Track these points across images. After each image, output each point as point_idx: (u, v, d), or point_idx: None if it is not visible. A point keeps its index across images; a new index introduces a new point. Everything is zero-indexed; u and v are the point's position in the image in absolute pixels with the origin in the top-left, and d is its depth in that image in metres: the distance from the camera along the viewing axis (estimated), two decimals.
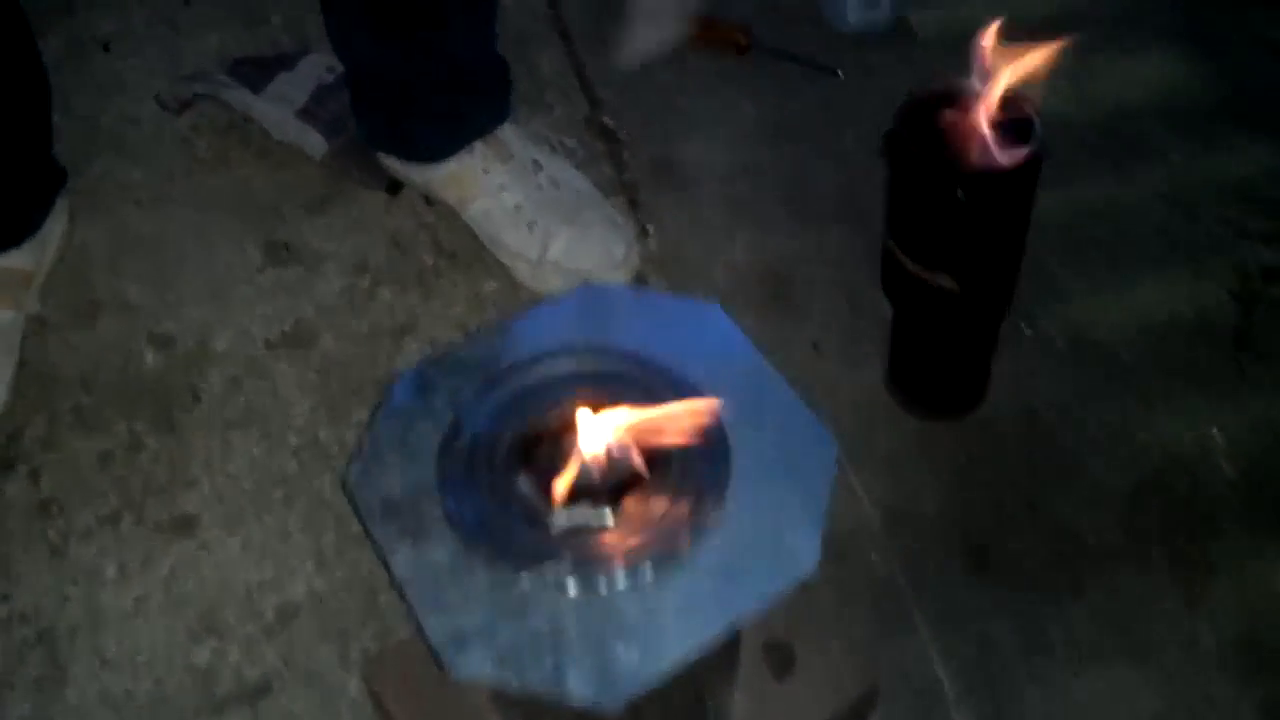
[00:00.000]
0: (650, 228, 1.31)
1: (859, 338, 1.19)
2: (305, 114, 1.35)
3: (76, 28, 1.54)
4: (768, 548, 0.76)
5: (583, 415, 0.76)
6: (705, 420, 0.77)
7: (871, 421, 1.15)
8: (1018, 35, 1.47)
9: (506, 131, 1.27)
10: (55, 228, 1.27)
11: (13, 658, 1.03)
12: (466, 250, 1.29)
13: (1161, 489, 1.09)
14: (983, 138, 0.92)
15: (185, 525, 1.10)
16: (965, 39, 1.48)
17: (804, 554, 0.76)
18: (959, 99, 0.96)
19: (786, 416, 0.82)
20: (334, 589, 1.06)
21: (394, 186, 1.34)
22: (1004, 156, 0.91)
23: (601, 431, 0.76)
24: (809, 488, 0.79)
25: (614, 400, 0.79)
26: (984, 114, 0.93)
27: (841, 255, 1.26)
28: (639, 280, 1.26)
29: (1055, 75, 1.44)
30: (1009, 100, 0.93)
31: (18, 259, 1.21)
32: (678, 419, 0.78)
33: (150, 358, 1.22)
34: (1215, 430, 1.11)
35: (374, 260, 1.30)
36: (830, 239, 1.28)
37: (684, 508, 0.78)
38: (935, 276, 0.99)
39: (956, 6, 1.53)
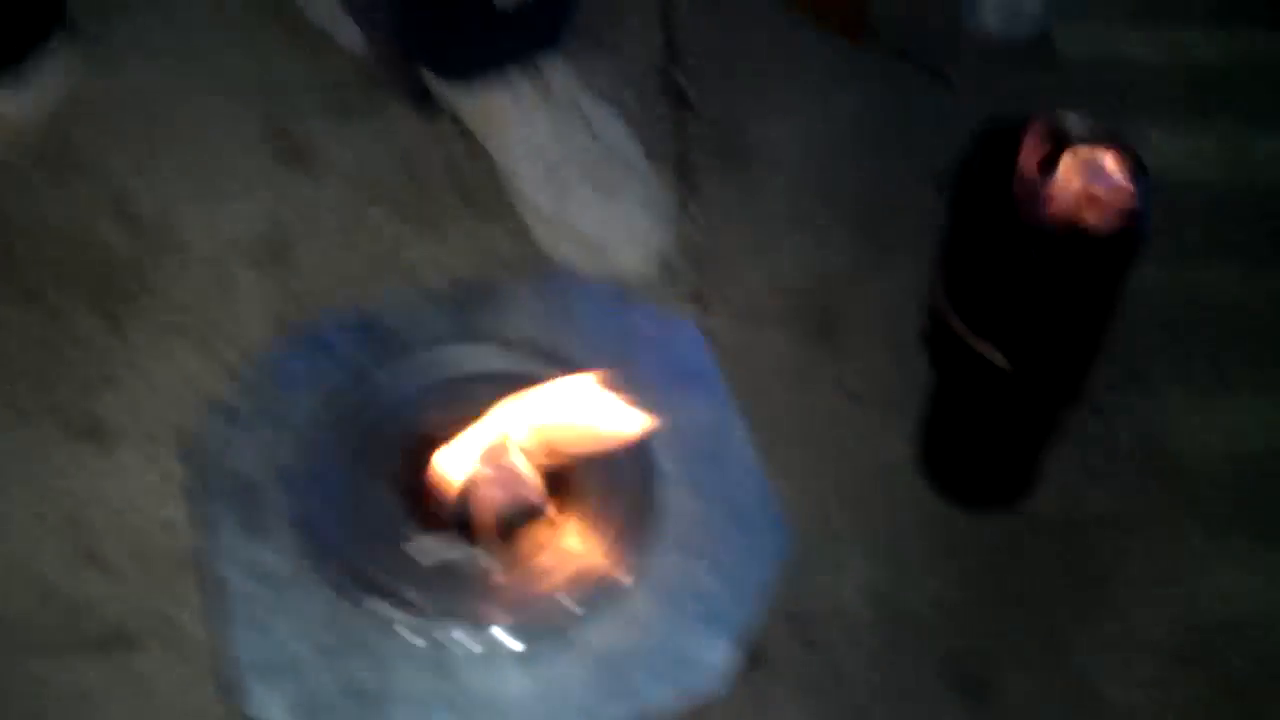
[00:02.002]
0: (695, 211, 1.15)
1: (897, 394, 1.01)
2: (349, 3, 1.21)
3: None
4: (669, 649, 0.60)
5: (477, 430, 0.61)
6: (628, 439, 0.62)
7: (886, 492, 0.98)
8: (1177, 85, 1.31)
9: (552, 68, 1.12)
10: (49, 75, 1.15)
11: None
12: (485, 192, 1.14)
13: (1209, 654, 0.91)
14: (1078, 192, 0.74)
15: (94, 431, 0.98)
16: (1112, 68, 1.33)
17: (707, 668, 0.60)
18: (1060, 139, 0.77)
19: (741, 486, 0.66)
20: None
21: (427, 104, 1.19)
22: (1098, 219, 0.73)
23: (496, 451, 0.61)
24: (741, 584, 0.62)
25: (531, 411, 0.64)
26: (1087, 164, 0.74)
27: (901, 297, 1.07)
28: (664, 267, 1.10)
29: (1208, 142, 1.27)
30: (1121, 155, 0.74)
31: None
32: (598, 436, 0.62)
33: (108, 232, 1.10)
34: None
35: (380, 179, 1.15)
36: (893, 274, 1.10)
37: (583, 569, 0.62)
38: (984, 347, 0.81)
39: (1112, 32, 1.34)
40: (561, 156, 1.09)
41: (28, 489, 0.95)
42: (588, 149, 1.10)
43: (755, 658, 0.86)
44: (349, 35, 1.21)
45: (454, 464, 0.61)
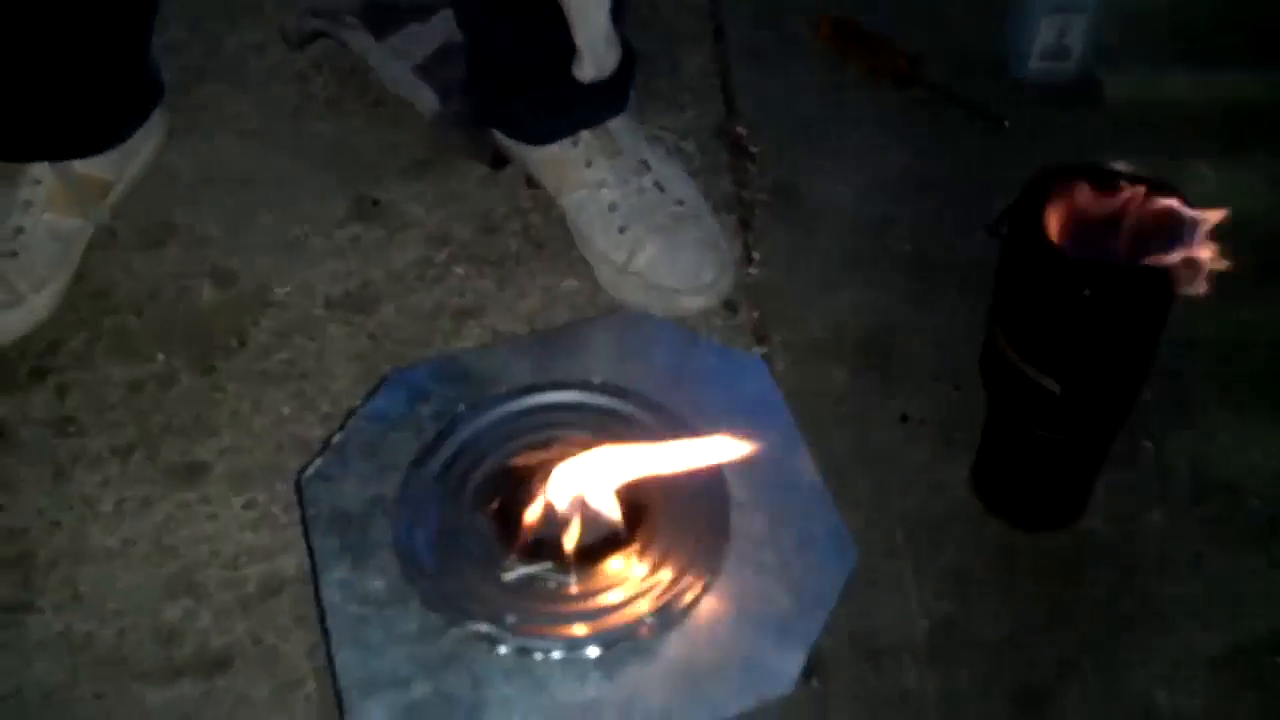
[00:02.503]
0: (757, 255, 1.20)
1: (955, 424, 1.05)
2: (423, 70, 1.28)
3: None
4: (741, 658, 0.65)
5: (565, 464, 0.66)
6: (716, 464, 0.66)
7: (947, 519, 1.01)
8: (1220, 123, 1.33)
9: (619, 125, 1.18)
10: (145, 143, 1.23)
11: None
12: (556, 242, 1.20)
13: (1259, 673, 0.93)
14: (1128, 231, 0.78)
15: (194, 473, 1.04)
16: (1157, 109, 1.36)
17: (781, 674, 0.64)
18: (1109, 183, 0.82)
19: (808, 510, 0.71)
20: None
21: (498, 162, 1.26)
22: (1146, 257, 0.77)
23: (582, 482, 0.66)
24: (810, 599, 0.67)
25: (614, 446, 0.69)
26: (1135, 205, 0.79)
27: (957, 332, 1.11)
28: (728, 308, 1.15)
29: (1257, 176, 1.29)
30: (1172, 196, 0.78)
31: (98, 167, 1.18)
32: (685, 460, 0.67)
33: (206, 294, 1.17)
34: None
35: (458, 235, 1.22)
36: (948, 312, 1.14)
37: (659, 587, 0.67)
38: (1038, 375, 0.85)
39: (1156, 74, 1.38)
40: (629, 208, 1.15)
41: (131, 526, 1.01)
42: (655, 201, 1.15)
43: (821, 671, 0.91)
44: (425, 102, 1.29)
45: (540, 493, 0.67)
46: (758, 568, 0.68)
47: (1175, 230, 0.79)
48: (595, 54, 0.83)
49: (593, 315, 1.14)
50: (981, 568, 0.98)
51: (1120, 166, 0.82)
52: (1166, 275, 0.79)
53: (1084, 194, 0.81)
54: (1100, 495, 1.00)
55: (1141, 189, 0.80)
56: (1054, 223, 0.81)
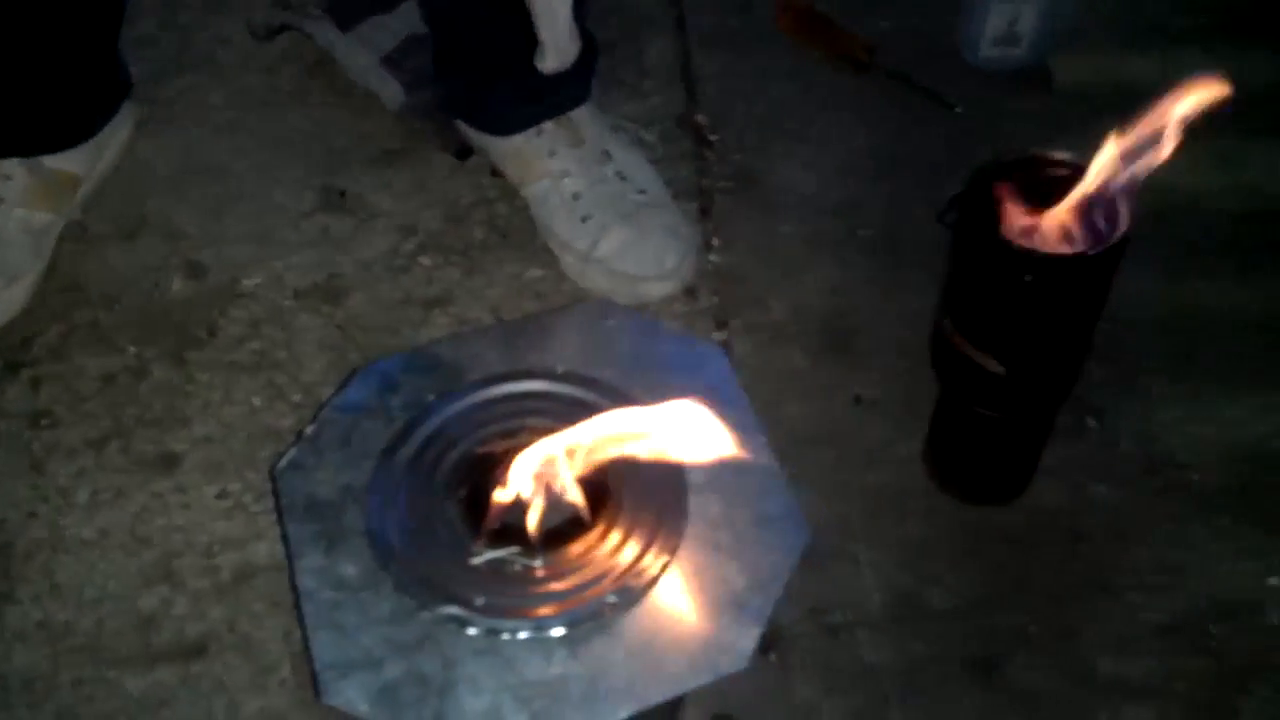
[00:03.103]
0: (717, 241, 1.23)
1: (911, 404, 1.08)
2: (389, 62, 1.30)
3: None
4: (700, 635, 0.68)
5: (528, 451, 0.69)
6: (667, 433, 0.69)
7: (900, 496, 1.04)
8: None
9: (582, 115, 1.20)
10: (115, 136, 1.25)
11: None
12: (520, 232, 1.23)
13: (1200, 635, 0.97)
14: (1063, 219, 0.81)
15: (167, 464, 1.07)
16: (1106, 93, 1.39)
17: (738, 650, 0.68)
18: (1048, 169, 0.85)
19: (763, 492, 0.74)
20: None
21: (464, 152, 1.28)
22: (1075, 243, 0.81)
23: (545, 468, 0.69)
24: (764, 577, 0.70)
25: (576, 432, 0.72)
26: (1074, 193, 0.82)
27: (917, 314, 1.14)
28: (689, 294, 1.17)
29: (1204, 155, 1.32)
30: (1110, 182, 0.81)
31: (68, 161, 1.19)
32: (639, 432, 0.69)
33: (178, 285, 1.19)
34: (1274, 579, 0.98)
35: (425, 225, 1.24)
36: (909, 294, 1.16)
37: (621, 569, 0.71)
38: (981, 357, 0.88)
39: (1108, 59, 1.41)
40: (592, 197, 1.17)
41: (106, 516, 1.04)
42: (618, 190, 1.18)
43: (781, 645, 0.95)
44: (391, 93, 1.30)
45: (506, 480, 0.69)
46: (714, 548, 0.71)
47: (1112, 209, 0.82)
48: (558, 46, 0.85)
49: (558, 303, 1.17)
50: (935, 542, 1.02)
51: (1059, 153, 0.85)
52: (1101, 261, 0.82)
53: (1026, 180, 0.84)
54: (1051, 469, 1.04)
55: (1079, 169, 0.83)
56: (999, 210, 0.84)
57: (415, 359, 0.80)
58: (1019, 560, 1.01)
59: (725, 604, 0.69)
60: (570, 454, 0.68)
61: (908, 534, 1.02)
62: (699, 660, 0.67)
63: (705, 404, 0.68)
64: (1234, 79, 1.38)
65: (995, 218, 0.82)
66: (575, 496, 0.69)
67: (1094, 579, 1.00)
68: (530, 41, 1.06)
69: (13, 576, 1.00)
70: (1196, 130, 1.33)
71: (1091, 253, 0.81)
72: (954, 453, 1.03)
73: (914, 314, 1.15)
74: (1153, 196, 1.26)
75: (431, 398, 0.76)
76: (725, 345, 1.14)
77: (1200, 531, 1.03)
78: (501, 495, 0.69)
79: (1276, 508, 1.04)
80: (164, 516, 1.04)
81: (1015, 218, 0.82)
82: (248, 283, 1.19)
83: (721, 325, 1.16)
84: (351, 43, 1.31)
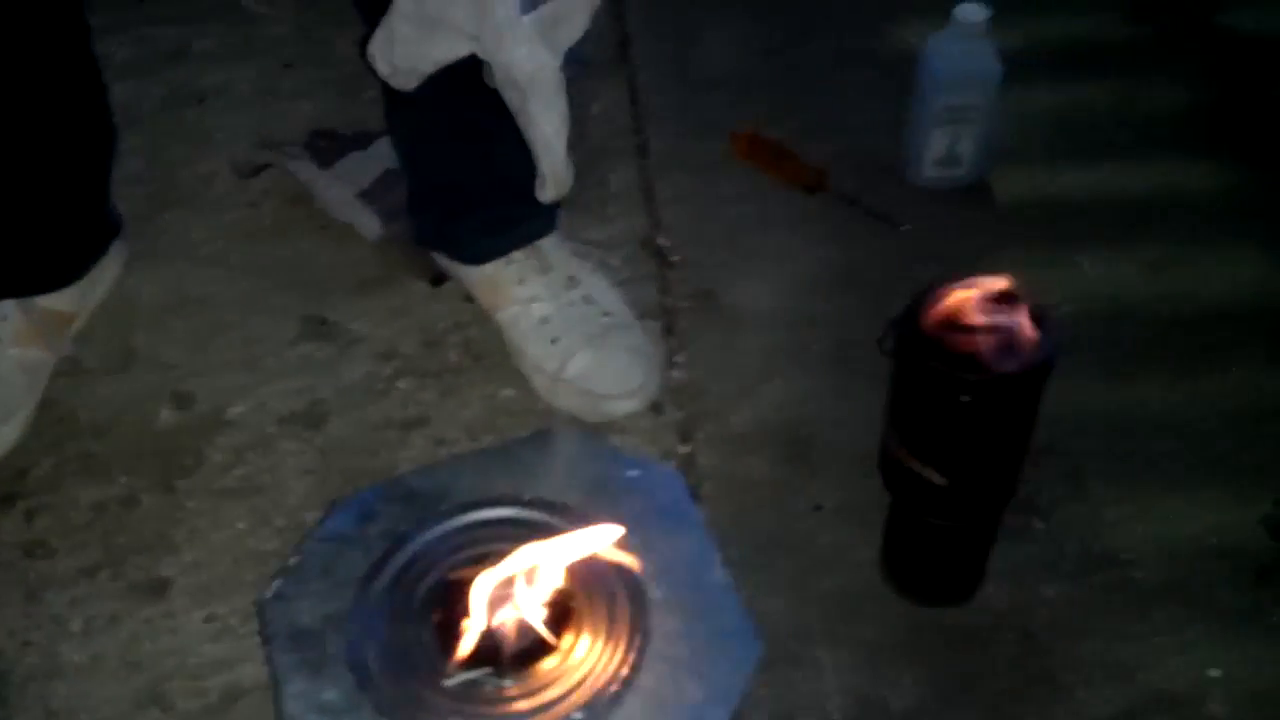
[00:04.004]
0: (680, 359, 1.29)
1: (867, 511, 1.12)
2: (366, 196, 1.37)
3: (181, 77, 1.60)
4: None
5: (487, 579, 0.74)
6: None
7: (858, 600, 1.09)
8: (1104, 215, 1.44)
9: (549, 243, 1.27)
10: (105, 274, 1.31)
11: None
12: (493, 354, 1.29)
13: None
14: (989, 340, 0.88)
15: (157, 589, 1.11)
16: (1045, 205, 1.47)
17: None
18: (983, 294, 0.92)
19: (718, 606, 0.79)
20: None
21: (438, 280, 1.35)
22: (1003, 363, 0.87)
23: (503, 593, 0.75)
24: (720, 689, 0.75)
25: (539, 556, 0.77)
26: (997, 314, 0.89)
27: (870, 424, 1.20)
28: (654, 410, 1.23)
29: (1135, 264, 1.39)
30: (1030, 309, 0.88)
31: (60, 301, 1.25)
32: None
33: (165, 416, 1.25)
34: (1215, 671, 1.03)
35: (402, 350, 1.30)
36: (863, 404, 1.22)
37: (587, 684, 0.75)
38: (925, 470, 0.94)
39: (1045, 175, 1.49)
40: (560, 321, 1.23)
41: (99, 643, 1.07)
42: (584, 313, 1.24)
43: None
44: (368, 225, 1.37)
45: (477, 607, 0.75)
46: (673, 662, 0.76)
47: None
48: (556, 177, 0.91)
49: (530, 421, 1.22)
50: (892, 645, 1.06)
51: (982, 276, 0.92)
52: (1030, 378, 0.88)
53: (955, 303, 0.91)
54: (1001, 571, 1.09)
55: (994, 290, 0.89)
56: (934, 331, 0.90)
57: (392, 489, 0.85)
58: (973, 659, 1.05)
59: (684, 716, 0.74)
60: (529, 578, 0.74)
61: (866, 637, 1.07)
62: None
63: (660, 525, 0.74)
64: (1157, 190, 1.47)
65: (928, 342, 0.89)
66: (536, 621, 0.74)
67: (1044, 676, 1.04)
68: (498, 177, 1.13)
69: (10, 704, 1.04)
70: (1128, 241, 1.42)
71: (1018, 371, 0.87)
72: (907, 558, 1.08)
73: (867, 424, 1.19)
74: (1091, 304, 1.34)
75: (405, 528, 0.81)
76: (690, 457, 1.19)
77: (1143, 626, 1.07)
78: (471, 620, 0.74)
79: (1215, 602, 1.09)
80: (154, 641, 1.08)
81: (951, 334, 0.89)
82: (233, 411, 1.25)
83: (686, 439, 1.22)
84: (330, 179, 1.38)
